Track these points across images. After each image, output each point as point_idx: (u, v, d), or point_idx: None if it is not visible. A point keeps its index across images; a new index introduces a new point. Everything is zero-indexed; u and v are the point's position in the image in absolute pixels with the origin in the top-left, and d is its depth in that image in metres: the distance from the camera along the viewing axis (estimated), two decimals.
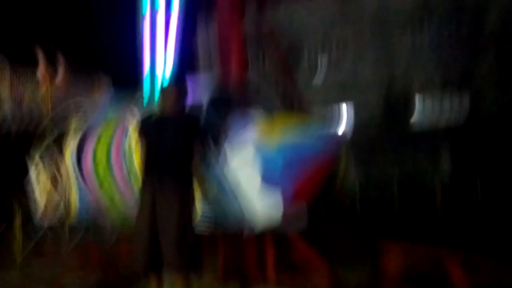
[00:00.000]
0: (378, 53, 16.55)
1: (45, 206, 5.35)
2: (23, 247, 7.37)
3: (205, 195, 3.71)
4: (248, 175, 3.57)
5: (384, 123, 15.42)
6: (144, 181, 3.40)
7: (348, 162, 4.12)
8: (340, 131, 4.14)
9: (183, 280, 3.20)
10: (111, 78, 12.98)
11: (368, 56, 16.88)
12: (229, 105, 5.28)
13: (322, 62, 18.33)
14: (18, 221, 7.80)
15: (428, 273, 4.86)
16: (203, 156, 3.53)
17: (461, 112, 14.78)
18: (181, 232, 3.16)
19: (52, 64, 11.41)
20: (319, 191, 3.63)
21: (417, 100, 16.11)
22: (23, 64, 11.00)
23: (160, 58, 6.22)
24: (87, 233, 8.66)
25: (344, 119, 17.44)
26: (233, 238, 5.24)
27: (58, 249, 6.97)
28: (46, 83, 10.24)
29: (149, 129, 3.44)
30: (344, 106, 17.60)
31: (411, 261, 4.54)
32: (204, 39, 17.60)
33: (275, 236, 5.28)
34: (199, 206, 3.82)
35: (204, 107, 3.89)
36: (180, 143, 3.33)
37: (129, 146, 4.12)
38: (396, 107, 15.73)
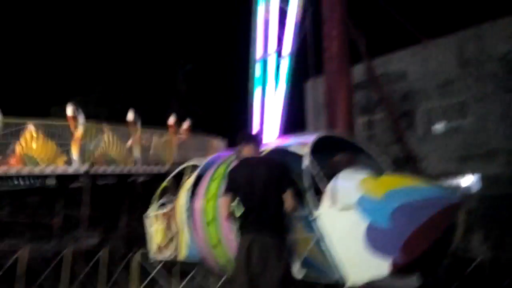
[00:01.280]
0: (505, 112, 14.97)
1: (158, 246, 5.76)
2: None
3: (302, 246, 3.60)
4: (351, 227, 3.37)
5: None
6: (240, 228, 3.39)
7: (465, 227, 3.64)
8: (458, 196, 3.68)
9: None
10: (228, 142, 14.06)
11: (493, 117, 15.36)
12: (333, 159, 5.31)
13: (439, 124, 17.20)
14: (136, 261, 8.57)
15: None
16: (297, 204, 3.42)
17: None
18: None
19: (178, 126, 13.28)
20: (431, 250, 3.25)
21: None
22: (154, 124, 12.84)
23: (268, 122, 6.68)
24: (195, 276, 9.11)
25: (465, 187, 15.74)
26: None
27: None
28: (171, 139, 11.65)
29: (237, 171, 3.52)
30: (465, 175, 15.96)
31: None
32: (312, 98, 18.05)
33: None
34: (296, 257, 3.74)
35: (308, 160, 3.90)
36: (272, 180, 3.27)
37: None
38: None
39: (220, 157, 5.55)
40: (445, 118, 16.79)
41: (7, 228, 13.67)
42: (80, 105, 11.80)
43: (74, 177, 10.55)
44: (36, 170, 9.97)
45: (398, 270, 3.18)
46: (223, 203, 3.50)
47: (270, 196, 3.26)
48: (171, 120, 13.10)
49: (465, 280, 8.01)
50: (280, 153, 4.49)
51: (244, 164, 3.54)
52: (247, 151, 3.58)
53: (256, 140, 3.68)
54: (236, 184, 3.42)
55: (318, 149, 4.16)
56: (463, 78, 16.05)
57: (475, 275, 8.27)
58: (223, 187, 3.84)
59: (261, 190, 3.27)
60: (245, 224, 3.32)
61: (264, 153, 4.33)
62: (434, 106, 17.04)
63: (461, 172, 15.73)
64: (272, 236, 3.18)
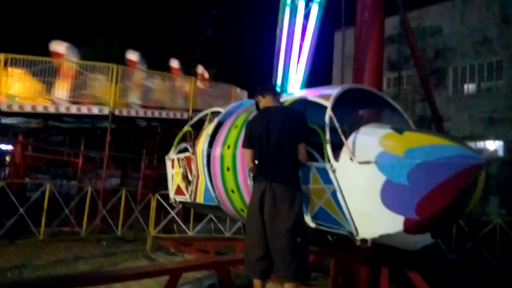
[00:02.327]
0: None
1: (178, 188, 5.93)
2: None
3: (317, 196, 3.61)
4: (368, 181, 3.34)
5: None
6: (256, 176, 3.45)
7: (484, 187, 3.53)
8: (481, 157, 3.58)
9: None
10: (250, 91, 14.04)
11: None
12: (357, 113, 5.22)
13: (470, 84, 16.54)
14: (153, 204, 8.93)
15: None
16: (311, 156, 3.51)
17: None
18: (289, 238, 3.12)
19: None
20: (447, 210, 3.22)
21: None
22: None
23: (292, 73, 6.54)
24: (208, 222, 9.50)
25: (489, 151, 15.40)
26: (345, 252, 5.07)
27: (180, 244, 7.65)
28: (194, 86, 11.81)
29: (255, 121, 3.57)
30: (490, 139, 15.55)
31: None
32: (340, 50, 17.57)
33: (390, 258, 4.96)
34: (310, 207, 3.78)
35: (330, 112, 3.84)
36: (288, 130, 3.31)
37: None
38: None
39: (242, 105, 5.53)
40: (478, 78, 16.12)
41: (36, 164, 14.35)
42: (105, 47, 11.83)
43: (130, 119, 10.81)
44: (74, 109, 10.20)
45: (411, 228, 3.18)
46: (247, 156, 3.57)
47: (285, 146, 3.30)
48: (199, 68, 13.30)
49: (478, 243, 8.06)
50: (303, 103, 4.43)
51: (262, 114, 3.57)
52: (265, 102, 3.62)
53: (274, 90, 3.69)
54: (253, 136, 3.48)
55: (344, 101, 4.07)
56: (503, 37, 15.19)
57: (489, 238, 8.29)
58: (242, 137, 3.90)
59: (276, 140, 3.31)
60: (260, 173, 3.38)
61: (286, 103, 4.29)
62: (468, 64, 16.32)
63: (488, 136, 15.36)
64: (285, 185, 3.24)
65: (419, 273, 4.79)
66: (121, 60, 11.99)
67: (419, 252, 3.71)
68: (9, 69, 9.84)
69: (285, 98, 4.50)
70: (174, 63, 12.50)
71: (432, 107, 6.20)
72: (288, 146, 3.30)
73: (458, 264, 7.67)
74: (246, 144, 3.56)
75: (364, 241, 3.43)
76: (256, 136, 3.43)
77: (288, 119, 3.38)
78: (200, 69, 13.49)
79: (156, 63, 14.13)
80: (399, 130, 3.59)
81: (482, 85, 16.08)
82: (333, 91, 4.04)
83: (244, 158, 3.97)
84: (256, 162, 3.46)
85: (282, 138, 3.30)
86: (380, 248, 4.43)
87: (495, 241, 8.12)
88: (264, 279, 3.32)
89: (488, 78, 15.82)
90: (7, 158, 13.09)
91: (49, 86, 10.17)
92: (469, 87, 16.47)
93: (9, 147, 13.46)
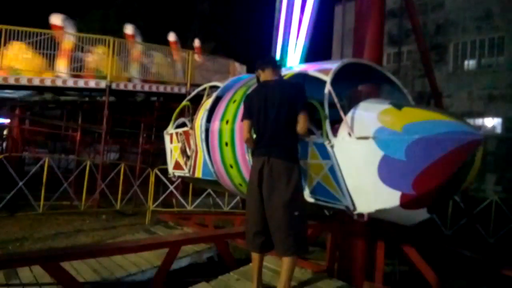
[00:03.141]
0: None
1: (176, 162, 5.95)
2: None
3: (315, 171, 3.63)
4: (366, 157, 3.33)
5: None
6: (254, 150, 3.45)
7: (481, 163, 3.53)
8: (479, 133, 3.58)
9: (288, 262, 3.16)
10: (249, 66, 13.88)
11: None
12: (357, 88, 5.18)
13: (471, 60, 16.37)
14: (152, 178, 8.99)
15: None
16: (310, 130, 3.50)
17: None
18: (286, 212, 3.13)
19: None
20: (444, 186, 3.24)
21: None
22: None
23: (291, 47, 6.44)
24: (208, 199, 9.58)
25: (488, 128, 15.41)
26: (342, 226, 5.13)
27: (180, 219, 7.75)
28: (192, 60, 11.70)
29: (254, 95, 3.52)
30: (489, 116, 15.52)
31: None
32: (340, 24, 17.31)
33: (387, 234, 5.04)
34: (308, 182, 3.81)
35: (329, 86, 3.80)
36: (285, 102, 3.27)
37: None
38: None
39: (240, 80, 5.48)
40: (479, 54, 15.93)
41: (34, 138, 14.33)
42: (101, 19, 11.62)
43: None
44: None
45: (408, 203, 3.20)
46: (244, 127, 3.53)
47: (283, 119, 3.27)
48: (196, 42, 13.18)
49: (474, 219, 8.18)
50: (302, 78, 4.39)
51: (261, 88, 3.53)
52: (265, 75, 3.56)
53: (274, 64, 3.62)
54: (252, 110, 3.44)
55: (343, 76, 4.03)
56: (505, 12, 14.94)
57: (484, 215, 8.41)
58: (241, 112, 3.86)
59: (275, 113, 3.28)
60: (258, 147, 3.37)
61: (286, 77, 4.25)
62: (469, 40, 16.10)
63: (487, 113, 15.32)
64: (283, 159, 3.23)
65: (415, 248, 4.88)
66: (118, 33, 11.79)
67: (415, 227, 3.75)
68: (12, 42, 9.70)
69: (284, 73, 4.46)
70: (172, 37, 12.34)
71: (432, 83, 6.16)
72: (286, 120, 3.27)
73: (453, 239, 7.81)
74: (244, 117, 3.54)
75: (361, 215, 3.46)
76: (254, 110, 3.40)
77: (286, 92, 3.34)
78: (196, 42, 13.41)
79: (153, 36, 13.90)
80: (398, 106, 3.56)
81: (482, 61, 15.90)
82: (333, 65, 4.00)
83: (242, 133, 3.94)
84: (254, 136, 3.45)
85: (281, 111, 3.28)
86: (377, 222, 4.49)
87: (491, 217, 8.23)
88: (261, 252, 3.37)
89: (489, 54, 15.64)
90: (5, 132, 13.03)
91: (50, 60, 10.07)
92: (470, 63, 16.31)
93: (6, 121, 13.39)
